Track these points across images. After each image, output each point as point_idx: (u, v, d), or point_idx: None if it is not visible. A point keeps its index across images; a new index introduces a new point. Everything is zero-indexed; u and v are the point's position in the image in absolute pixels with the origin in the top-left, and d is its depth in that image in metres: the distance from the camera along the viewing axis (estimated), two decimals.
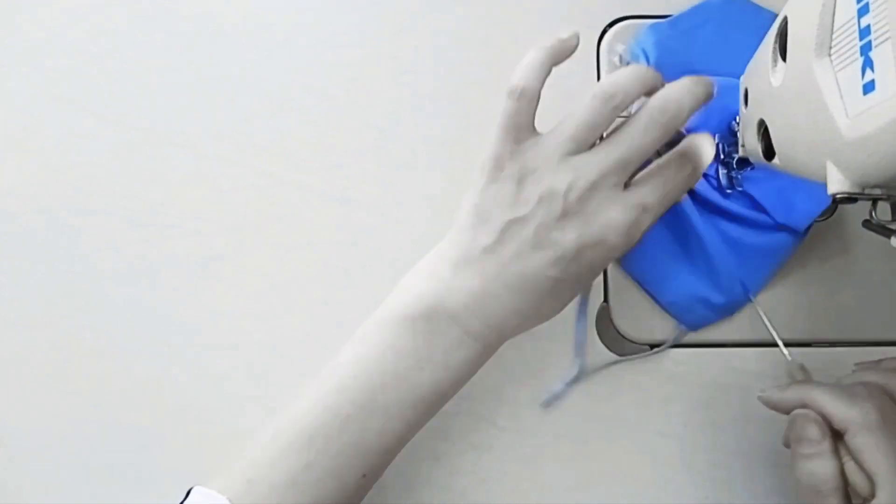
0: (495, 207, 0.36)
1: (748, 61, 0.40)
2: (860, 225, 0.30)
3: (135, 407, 0.43)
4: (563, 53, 0.37)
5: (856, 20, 0.24)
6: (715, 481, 0.43)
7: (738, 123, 0.41)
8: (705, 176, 0.42)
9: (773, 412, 0.43)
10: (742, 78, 0.38)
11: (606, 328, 0.44)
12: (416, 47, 0.46)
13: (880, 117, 0.23)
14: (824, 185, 0.28)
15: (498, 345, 0.38)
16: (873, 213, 0.29)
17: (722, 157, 0.42)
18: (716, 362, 0.44)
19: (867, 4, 0.24)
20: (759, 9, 0.44)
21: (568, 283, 0.36)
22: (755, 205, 0.42)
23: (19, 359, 0.44)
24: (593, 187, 0.35)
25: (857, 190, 0.26)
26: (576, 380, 0.43)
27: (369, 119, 0.45)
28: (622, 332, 0.44)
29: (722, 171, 0.42)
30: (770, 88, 0.32)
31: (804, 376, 0.39)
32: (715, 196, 0.42)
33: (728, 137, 0.42)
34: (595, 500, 0.43)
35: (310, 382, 0.37)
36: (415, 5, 0.46)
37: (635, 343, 0.44)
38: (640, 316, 0.44)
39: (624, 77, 0.35)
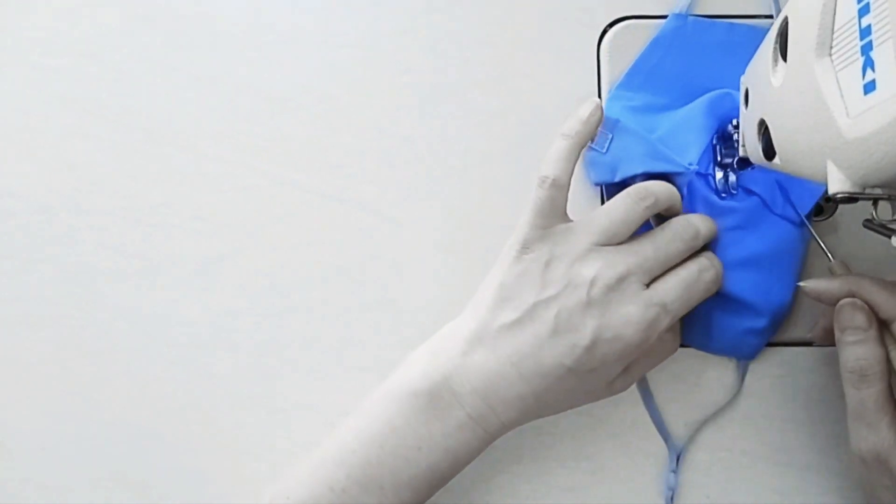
0: (521, 287, 0.37)
1: (716, 77, 0.40)
2: (861, 224, 0.30)
3: (134, 407, 0.43)
4: (588, 136, 0.39)
5: (856, 20, 0.24)
6: (715, 481, 0.43)
7: (735, 128, 0.41)
8: (704, 176, 0.42)
9: (772, 412, 0.43)
10: (742, 78, 0.38)
11: None
12: (416, 47, 0.46)
13: (881, 117, 0.23)
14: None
15: (499, 433, 0.38)
16: (874, 213, 0.29)
17: (718, 159, 0.42)
18: (716, 362, 0.44)
19: (868, 4, 0.24)
20: (713, 23, 0.44)
21: (579, 376, 0.36)
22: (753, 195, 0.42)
23: (19, 359, 0.44)
24: (619, 281, 0.36)
25: (857, 189, 0.26)
26: (679, 462, 0.43)
27: (369, 119, 0.45)
28: None
29: (718, 174, 0.42)
30: (770, 88, 0.32)
31: (845, 271, 0.38)
32: (713, 198, 0.42)
33: (724, 141, 0.42)
34: (595, 499, 0.43)
35: (310, 452, 0.37)
36: (415, 5, 0.46)
37: None
38: None
39: (657, 186, 0.38)
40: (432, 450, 0.36)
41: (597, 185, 0.44)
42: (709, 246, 0.40)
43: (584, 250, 0.37)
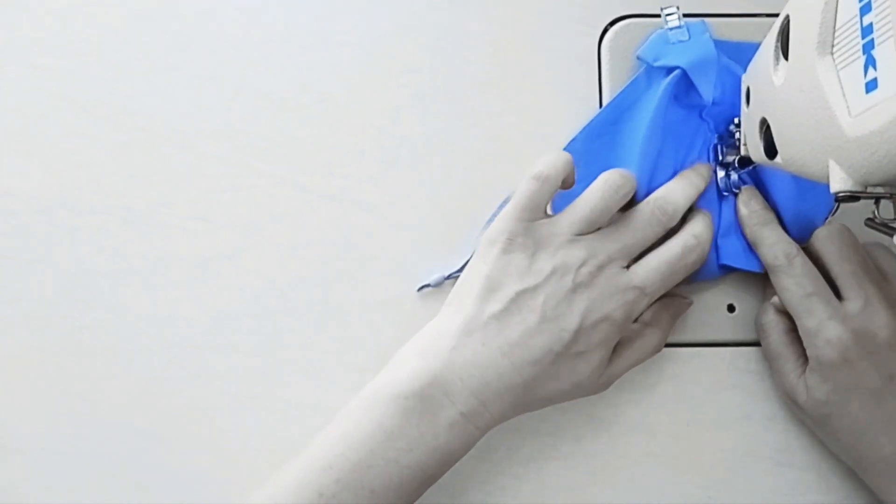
0: (507, 277, 0.37)
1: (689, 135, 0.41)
2: (863, 224, 0.30)
3: (134, 407, 0.43)
4: (569, 175, 0.40)
5: (858, 18, 0.24)
6: (715, 481, 0.43)
7: (736, 125, 0.41)
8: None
9: (772, 412, 0.43)
10: (743, 77, 0.38)
11: None
12: (416, 47, 0.46)
13: (883, 115, 0.23)
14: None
15: (488, 427, 0.38)
16: (876, 212, 0.29)
17: (720, 158, 0.42)
18: (716, 362, 0.44)
19: (869, 3, 0.24)
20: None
21: (566, 360, 0.37)
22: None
23: (19, 359, 0.44)
24: (600, 267, 0.38)
25: (859, 188, 0.26)
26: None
27: (369, 119, 0.45)
28: None
29: (720, 174, 0.42)
30: (772, 87, 0.32)
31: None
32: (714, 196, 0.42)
33: (726, 139, 0.42)
34: (595, 500, 0.43)
35: (293, 458, 0.37)
36: (415, 5, 0.46)
37: None
38: None
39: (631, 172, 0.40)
40: (423, 451, 0.36)
41: (638, 58, 0.44)
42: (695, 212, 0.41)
43: (567, 240, 0.38)
